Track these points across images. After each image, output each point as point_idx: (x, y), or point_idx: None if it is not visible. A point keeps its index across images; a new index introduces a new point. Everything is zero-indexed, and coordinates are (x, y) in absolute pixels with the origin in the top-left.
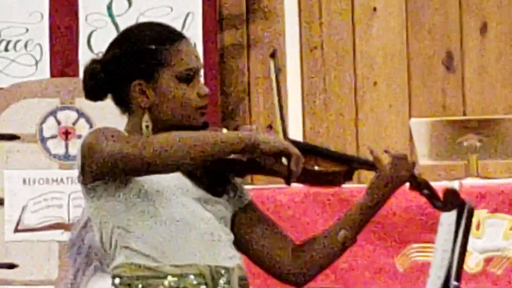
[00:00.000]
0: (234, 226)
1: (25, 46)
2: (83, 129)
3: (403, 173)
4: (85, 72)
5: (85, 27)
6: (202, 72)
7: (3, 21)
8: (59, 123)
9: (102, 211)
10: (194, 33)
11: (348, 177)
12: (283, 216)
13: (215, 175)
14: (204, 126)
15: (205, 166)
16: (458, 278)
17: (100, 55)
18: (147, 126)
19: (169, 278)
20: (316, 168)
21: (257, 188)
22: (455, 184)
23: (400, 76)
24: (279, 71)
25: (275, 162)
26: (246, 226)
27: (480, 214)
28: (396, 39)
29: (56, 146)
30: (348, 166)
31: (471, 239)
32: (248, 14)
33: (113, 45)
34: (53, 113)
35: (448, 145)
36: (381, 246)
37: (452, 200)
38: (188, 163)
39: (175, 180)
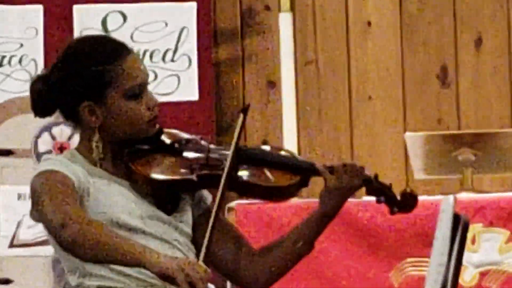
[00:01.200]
0: (193, 231)
1: (20, 61)
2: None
3: (353, 180)
4: (32, 90)
5: None
6: (197, 85)
7: None
8: (53, 138)
9: None
10: (189, 48)
11: (303, 184)
12: (276, 230)
13: (165, 195)
14: (158, 134)
15: (154, 187)
16: None
17: (44, 71)
18: (97, 146)
19: None
20: (266, 184)
21: (250, 203)
22: (450, 198)
23: (395, 90)
24: (242, 128)
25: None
26: (202, 231)
27: (475, 228)
28: (391, 53)
29: None
30: (300, 175)
31: (466, 253)
32: (243, 29)
33: (58, 64)
34: (47, 128)
35: (443, 159)
36: (375, 261)
37: (409, 201)
38: (92, 262)
39: (129, 205)
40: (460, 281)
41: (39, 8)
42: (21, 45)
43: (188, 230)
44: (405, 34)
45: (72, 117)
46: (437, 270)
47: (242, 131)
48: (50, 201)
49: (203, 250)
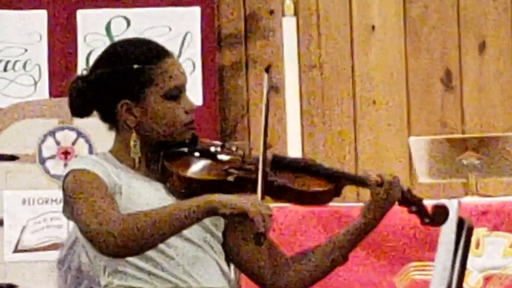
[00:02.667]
0: (224, 236)
1: (24, 66)
2: (82, 149)
3: (396, 195)
4: (71, 89)
5: (84, 47)
6: (200, 89)
7: (2, 42)
8: (58, 143)
9: None
10: (193, 52)
11: (336, 193)
12: (282, 235)
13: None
14: (194, 141)
15: (190, 188)
16: None
17: (85, 72)
18: (135, 145)
19: None
20: (303, 188)
21: None
22: (454, 202)
23: (399, 94)
24: (271, 87)
25: (242, 221)
26: (234, 237)
27: (479, 233)
28: (395, 57)
29: (55, 166)
30: (335, 183)
31: (470, 258)
32: (246, 33)
33: (99, 63)
34: (52, 133)
35: (447, 163)
36: (380, 265)
37: (440, 215)
38: (156, 244)
39: (162, 203)
40: (464, 285)
41: (43, 13)
42: (25, 50)
43: (219, 234)
44: (409, 38)
45: (109, 117)
46: (442, 274)
47: (270, 92)
48: (83, 204)
49: (260, 188)
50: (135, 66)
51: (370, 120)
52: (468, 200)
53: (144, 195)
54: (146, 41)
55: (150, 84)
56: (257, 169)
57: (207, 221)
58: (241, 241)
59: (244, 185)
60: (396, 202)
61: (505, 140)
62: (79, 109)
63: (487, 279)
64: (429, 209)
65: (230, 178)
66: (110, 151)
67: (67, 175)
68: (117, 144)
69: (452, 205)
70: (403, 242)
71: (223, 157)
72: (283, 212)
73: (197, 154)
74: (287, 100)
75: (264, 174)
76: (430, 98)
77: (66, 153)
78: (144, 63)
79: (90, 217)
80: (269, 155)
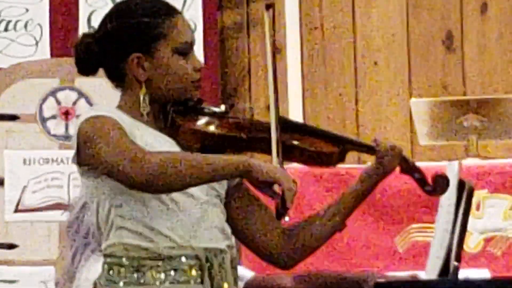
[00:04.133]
0: (225, 205)
1: (25, 26)
2: (83, 109)
3: (395, 161)
4: (78, 46)
5: (85, 7)
6: (202, 51)
7: (3, 1)
8: (59, 103)
9: (99, 191)
10: (194, 14)
11: (341, 157)
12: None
13: (212, 151)
14: (199, 101)
15: (203, 142)
16: (458, 259)
17: (92, 30)
18: (144, 99)
19: (165, 259)
20: (311, 148)
21: None
22: (455, 164)
23: (400, 56)
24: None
25: (268, 189)
26: (236, 206)
27: (480, 194)
28: (396, 19)
29: (56, 126)
30: (341, 147)
31: (471, 220)
32: None
33: (107, 19)
34: (53, 93)
35: (448, 125)
36: (381, 227)
37: (441, 184)
38: (180, 189)
39: None
40: (464, 247)
41: None
42: (26, 10)
43: (223, 192)
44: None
45: (117, 74)
46: (442, 236)
47: (273, 34)
48: (108, 143)
49: (274, 152)
50: (147, 19)
51: (371, 82)
52: (469, 162)
53: (159, 148)
54: None
55: (162, 38)
56: (267, 129)
57: (211, 197)
58: (245, 209)
59: (257, 144)
60: (398, 169)
61: (506, 102)
62: (86, 66)
63: (487, 241)
64: (430, 177)
65: (243, 135)
66: (119, 107)
67: (83, 122)
68: (126, 98)
69: (452, 167)
70: (403, 204)
71: (233, 116)
72: None
73: (206, 112)
74: (288, 62)
75: (278, 141)
76: (431, 60)
77: (67, 113)
78: (155, 17)
79: (119, 153)
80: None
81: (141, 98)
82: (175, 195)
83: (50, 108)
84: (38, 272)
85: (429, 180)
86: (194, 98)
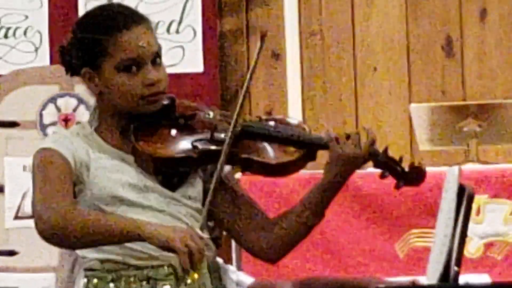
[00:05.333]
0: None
1: (25, 33)
2: (82, 116)
3: (355, 149)
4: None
5: None
6: (201, 56)
7: (3, 8)
8: (59, 110)
9: None
10: (194, 19)
11: (309, 158)
12: (279, 201)
13: (168, 171)
14: (166, 109)
15: (156, 165)
16: (458, 264)
17: None
18: (93, 113)
19: (140, 270)
20: (268, 161)
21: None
22: (455, 169)
23: (400, 61)
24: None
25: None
26: (221, 203)
27: (480, 199)
28: (396, 24)
29: None
30: (305, 149)
31: (471, 225)
32: (247, 0)
33: (72, 30)
34: (53, 100)
35: (448, 130)
36: (381, 232)
37: (416, 175)
38: (87, 247)
39: (130, 178)
40: (465, 252)
41: None
42: (26, 17)
43: (197, 205)
44: (410, 4)
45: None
46: (442, 241)
47: (259, 57)
48: (40, 187)
49: (203, 216)
50: (90, 35)
51: (371, 87)
52: (469, 167)
53: (112, 170)
54: (115, 9)
55: (105, 55)
56: (223, 140)
57: (180, 193)
58: (225, 206)
59: (211, 158)
60: (372, 165)
61: (505, 107)
62: (69, 72)
63: (487, 246)
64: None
65: (193, 155)
66: (89, 121)
67: (34, 154)
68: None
69: (452, 172)
70: (404, 209)
71: (192, 129)
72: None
73: (166, 126)
74: (288, 67)
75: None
76: (431, 65)
77: (67, 120)
78: (101, 33)
79: (40, 198)
80: (239, 125)
81: (91, 112)
82: (136, 214)
83: (50, 114)
84: (39, 278)
85: (402, 172)
86: (149, 110)
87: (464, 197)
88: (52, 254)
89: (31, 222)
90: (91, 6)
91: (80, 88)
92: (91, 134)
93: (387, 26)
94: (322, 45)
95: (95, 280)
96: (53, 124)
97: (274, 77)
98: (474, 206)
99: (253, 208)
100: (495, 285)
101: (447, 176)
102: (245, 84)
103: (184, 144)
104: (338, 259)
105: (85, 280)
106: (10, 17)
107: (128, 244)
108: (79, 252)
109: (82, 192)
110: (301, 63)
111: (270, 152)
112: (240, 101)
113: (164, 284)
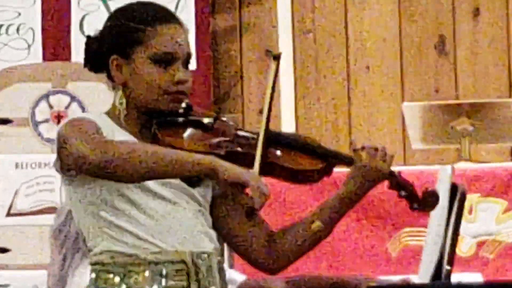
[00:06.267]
0: (211, 211)
1: (17, 30)
2: (75, 113)
3: (380, 164)
4: (85, 43)
5: (77, 11)
6: (194, 54)
7: None
8: (51, 107)
9: (80, 198)
10: (187, 17)
11: (327, 172)
12: (277, 202)
13: None
14: (187, 110)
15: None
16: (450, 263)
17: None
18: (120, 103)
19: (151, 265)
20: (291, 165)
21: None
22: (447, 168)
23: (393, 60)
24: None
25: (236, 192)
26: (222, 211)
27: (472, 199)
28: (389, 23)
29: (49, 130)
30: (326, 162)
31: (463, 224)
32: None
33: (107, 20)
34: (45, 97)
35: (440, 129)
36: (373, 231)
37: (431, 201)
38: (148, 179)
39: None
40: (457, 251)
41: None
42: (19, 14)
43: (207, 206)
44: (402, 3)
45: (108, 74)
46: (435, 240)
47: (276, 80)
48: (80, 136)
49: (257, 161)
50: (129, 23)
51: (364, 86)
52: (461, 166)
53: None
54: (155, 5)
55: (139, 43)
56: (249, 143)
57: (197, 192)
58: (230, 215)
59: (235, 159)
60: (387, 184)
61: (498, 106)
62: (88, 63)
63: (479, 245)
64: (420, 194)
65: (221, 152)
66: (106, 113)
67: (61, 126)
68: (113, 103)
69: (445, 171)
70: (396, 208)
71: (216, 130)
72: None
73: (189, 124)
74: (280, 66)
75: (263, 151)
76: (423, 64)
77: (59, 117)
78: (138, 23)
79: (88, 144)
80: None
81: (117, 102)
82: (153, 202)
83: (42, 112)
84: (31, 276)
85: (418, 195)
86: (171, 110)
87: (457, 196)
88: (44, 251)
89: (23, 220)
90: (84, 4)
91: (73, 86)
92: (118, 119)
93: (380, 25)
94: (315, 44)
95: (105, 275)
96: (46, 121)
97: (267, 75)
98: (467, 205)
99: (260, 221)
100: (487, 284)
101: (439, 175)
102: (267, 100)
103: (211, 142)
104: (330, 257)
105: (93, 275)
106: (2, 14)
107: (143, 237)
108: (90, 243)
109: None
110: (294, 61)
111: (295, 159)
112: (266, 109)
113: (176, 280)
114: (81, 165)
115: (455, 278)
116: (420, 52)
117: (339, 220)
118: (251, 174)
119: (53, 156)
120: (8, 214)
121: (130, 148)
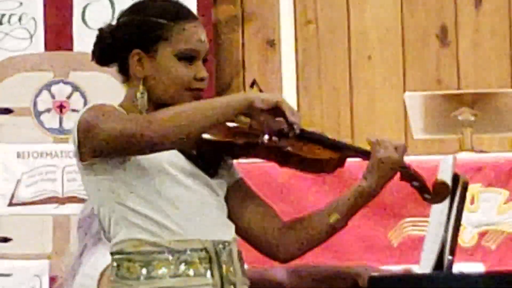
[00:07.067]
0: (226, 203)
1: (19, 19)
2: (77, 103)
3: (395, 157)
4: (96, 36)
5: (79, 1)
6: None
7: None
8: (53, 97)
9: (101, 188)
10: (189, 7)
11: (340, 164)
12: (276, 190)
13: (209, 156)
14: None
15: (200, 148)
16: (452, 253)
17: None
18: (142, 97)
19: (174, 253)
20: (308, 155)
21: (250, 162)
22: (449, 158)
23: (395, 50)
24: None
25: (273, 121)
26: (236, 203)
27: (474, 189)
28: (391, 13)
29: (50, 120)
30: (340, 153)
31: (465, 214)
32: None
33: (124, 13)
34: (47, 87)
35: (442, 119)
36: (374, 220)
37: (441, 193)
38: (195, 135)
39: (172, 157)
40: (459, 241)
41: None
42: (20, 3)
43: (221, 192)
44: None
45: (123, 68)
46: (436, 230)
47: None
48: (112, 117)
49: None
50: (154, 19)
51: (366, 76)
52: (463, 156)
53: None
54: (175, 2)
55: (164, 39)
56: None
57: (215, 183)
58: (243, 206)
59: (251, 149)
60: (398, 176)
61: (500, 96)
62: (99, 56)
63: (481, 235)
64: (430, 185)
65: (239, 141)
66: (121, 105)
67: (81, 115)
68: (128, 96)
69: (447, 161)
70: (398, 198)
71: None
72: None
73: None
74: (282, 55)
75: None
76: (425, 54)
77: (61, 107)
78: (163, 19)
79: (122, 121)
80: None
81: (139, 95)
82: (177, 191)
83: (44, 101)
84: (32, 265)
85: (429, 187)
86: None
87: (459, 186)
88: (45, 241)
89: (25, 209)
90: None
91: (75, 76)
92: (132, 112)
93: (381, 15)
94: (317, 34)
95: (127, 264)
96: (48, 111)
97: (269, 65)
98: (469, 195)
99: (268, 209)
100: (489, 274)
101: (441, 165)
102: None
103: (229, 132)
104: (332, 247)
105: (115, 265)
106: (4, 4)
107: (167, 225)
108: (112, 231)
109: (126, 163)
110: (296, 51)
111: (310, 149)
112: None
113: (198, 268)
114: (127, 143)
115: (457, 268)
116: (422, 42)
117: (355, 214)
118: (280, 96)
119: (55, 146)
120: (10, 204)
121: (165, 113)
